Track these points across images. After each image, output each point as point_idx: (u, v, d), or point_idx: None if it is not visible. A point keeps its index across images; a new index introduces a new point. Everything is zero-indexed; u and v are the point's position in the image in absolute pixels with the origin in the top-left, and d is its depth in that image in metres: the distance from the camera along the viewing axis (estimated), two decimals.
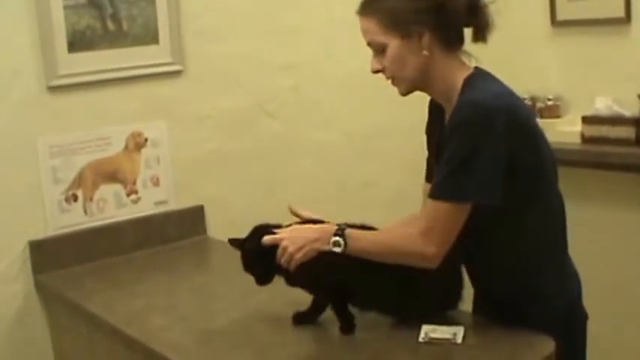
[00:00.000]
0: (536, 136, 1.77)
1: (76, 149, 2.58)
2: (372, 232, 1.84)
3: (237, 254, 2.63)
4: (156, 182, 2.74)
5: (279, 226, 1.90)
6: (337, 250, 1.78)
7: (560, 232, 1.87)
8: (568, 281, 1.88)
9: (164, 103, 2.74)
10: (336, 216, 3.18)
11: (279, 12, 2.94)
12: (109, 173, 2.64)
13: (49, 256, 2.53)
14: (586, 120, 3.02)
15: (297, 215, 1.95)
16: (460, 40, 1.81)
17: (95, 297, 2.30)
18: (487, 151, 1.67)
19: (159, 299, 2.27)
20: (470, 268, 1.90)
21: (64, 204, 2.57)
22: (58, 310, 2.49)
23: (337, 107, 3.10)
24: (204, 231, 2.82)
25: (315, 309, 1.89)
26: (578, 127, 3.04)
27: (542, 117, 3.18)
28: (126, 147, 2.67)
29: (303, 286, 1.88)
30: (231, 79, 2.86)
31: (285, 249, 1.82)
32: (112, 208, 2.65)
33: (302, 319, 1.90)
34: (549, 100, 3.18)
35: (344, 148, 3.12)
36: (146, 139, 2.70)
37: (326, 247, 1.79)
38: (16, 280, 2.51)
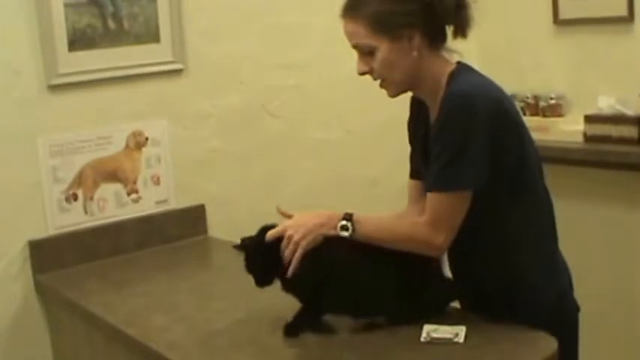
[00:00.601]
0: (519, 128, 1.80)
1: (76, 148, 2.57)
2: (379, 217, 1.84)
3: (237, 254, 2.63)
4: (156, 181, 2.73)
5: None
6: (345, 234, 1.78)
7: (547, 226, 1.88)
8: (556, 274, 1.89)
9: (165, 101, 2.73)
10: None
11: (281, 11, 2.93)
12: (109, 172, 2.63)
13: (49, 255, 2.52)
14: (588, 119, 3.00)
15: (285, 214, 1.92)
16: (444, 37, 1.82)
17: (95, 297, 2.30)
18: (477, 139, 1.70)
19: (159, 299, 2.26)
20: (456, 260, 1.90)
21: (64, 203, 2.56)
22: (58, 310, 2.49)
23: (339, 106, 3.09)
24: (205, 230, 2.81)
25: (305, 318, 1.86)
26: (580, 126, 3.03)
27: (544, 116, 3.18)
28: (126, 146, 2.66)
29: (298, 292, 1.84)
30: (232, 78, 2.86)
31: (290, 238, 1.80)
32: (112, 207, 2.64)
33: (294, 329, 1.86)
34: (552, 98, 3.17)
35: (346, 146, 3.12)
36: (147, 138, 2.69)
37: (332, 232, 1.79)
38: (16, 279, 2.50)
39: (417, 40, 1.77)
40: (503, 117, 1.75)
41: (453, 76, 1.79)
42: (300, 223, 1.82)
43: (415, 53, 1.77)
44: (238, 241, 2.72)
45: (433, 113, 1.82)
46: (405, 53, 1.77)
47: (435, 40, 1.80)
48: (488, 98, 1.73)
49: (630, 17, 2.97)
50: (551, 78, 3.24)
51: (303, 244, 1.79)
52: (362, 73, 1.83)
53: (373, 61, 1.79)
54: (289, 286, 1.85)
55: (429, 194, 1.77)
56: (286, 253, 1.81)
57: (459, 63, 1.83)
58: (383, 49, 1.77)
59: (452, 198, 1.74)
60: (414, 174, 1.98)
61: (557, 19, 3.19)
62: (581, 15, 3.11)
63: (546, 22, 3.21)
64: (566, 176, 2.96)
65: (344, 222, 1.79)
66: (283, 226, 1.84)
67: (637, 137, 2.88)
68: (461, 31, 1.80)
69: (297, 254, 1.79)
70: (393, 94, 1.85)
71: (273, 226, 1.89)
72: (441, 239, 1.76)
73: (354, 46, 1.82)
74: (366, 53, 1.80)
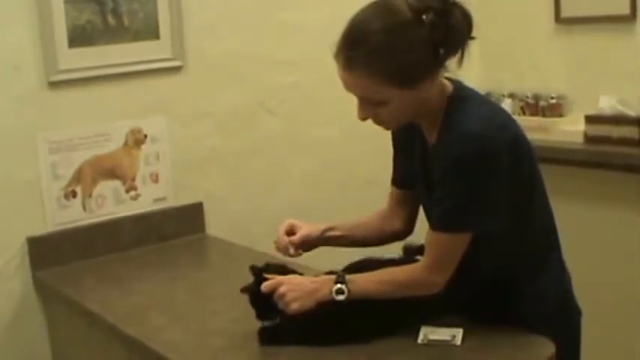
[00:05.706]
0: (525, 141, 1.77)
1: (75, 145, 2.57)
2: (372, 272, 1.80)
3: (235, 253, 2.63)
4: (155, 179, 2.72)
5: (285, 268, 1.86)
6: (341, 297, 1.75)
7: (550, 229, 1.86)
8: (558, 277, 1.88)
9: (164, 99, 2.72)
10: (337, 214, 3.16)
11: (280, 8, 2.92)
12: (108, 170, 2.63)
13: (48, 252, 2.52)
14: (589, 119, 2.99)
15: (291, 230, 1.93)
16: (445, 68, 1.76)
17: (93, 294, 2.30)
18: (489, 182, 1.67)
19: (157, 297, 2.26)
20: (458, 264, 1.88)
21: (63, 200, 2.56)
22: (56, 307, 2.49)
23: (338, 104, 3.05)
24: (203, 228, 2.81)
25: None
26: (581, 126, 3.01)
27: (544, 115, 3.17)
28: (125, 143, 2.66)
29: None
30: (231, 76, 2.85)
31: (282, 296, 1.77)
32: (110, 204, 2.64)
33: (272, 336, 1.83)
34: (552, 98, 3.16)
35: (345, 145, 3.11)
36: (145, 136, 2.69)
37: (328, 297, 1.76)
38: (15, 276, 2.51)
39: (428, 85, 1.70)
40: (514, 142, 1.71)
41: (452, 104, 1.74)
42: (296, 282, 1.79)
43: (425, 94, 1.71)
44: (236, 241, 2.73)
45: (430, 134, 1.79)
46: (415, 98, 1.70)
47: (439, 74, 1.73)
48: (497, 130, 1.68)
49: (633, 16, 2.95)
50: (552, 77, 3.23)
51: (294, 307, 1.76)
52: (364, 119, 1.76)
53: (380, 109, 1.71)
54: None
55: (432, 233, 1.74)
56: (279, 305, 1.78)
57: (450, 81, 1.78)
58: (396, 99, 1.69)
59: (457, 238, 1.72)
60: (398, 182, 1.96)
61: (558, 18, 3.17)
62: (582, 13, 3.09)
63: (547, 20, 3.20)
64: (566, 177, 2.95)
65: (338, 285, 1.75)
66: (277, 280, 1.80)
67: (638, 138, 2.87)
68: (458, 62, 1.72)
69: (288, 312, 1.76)
70: (392, 129, 1.84)
71: (274, 265, 1.87)
72: (441, 279, 1.73)
73: (360, 98, 1.74)
74: (373, 103, 1.72)
